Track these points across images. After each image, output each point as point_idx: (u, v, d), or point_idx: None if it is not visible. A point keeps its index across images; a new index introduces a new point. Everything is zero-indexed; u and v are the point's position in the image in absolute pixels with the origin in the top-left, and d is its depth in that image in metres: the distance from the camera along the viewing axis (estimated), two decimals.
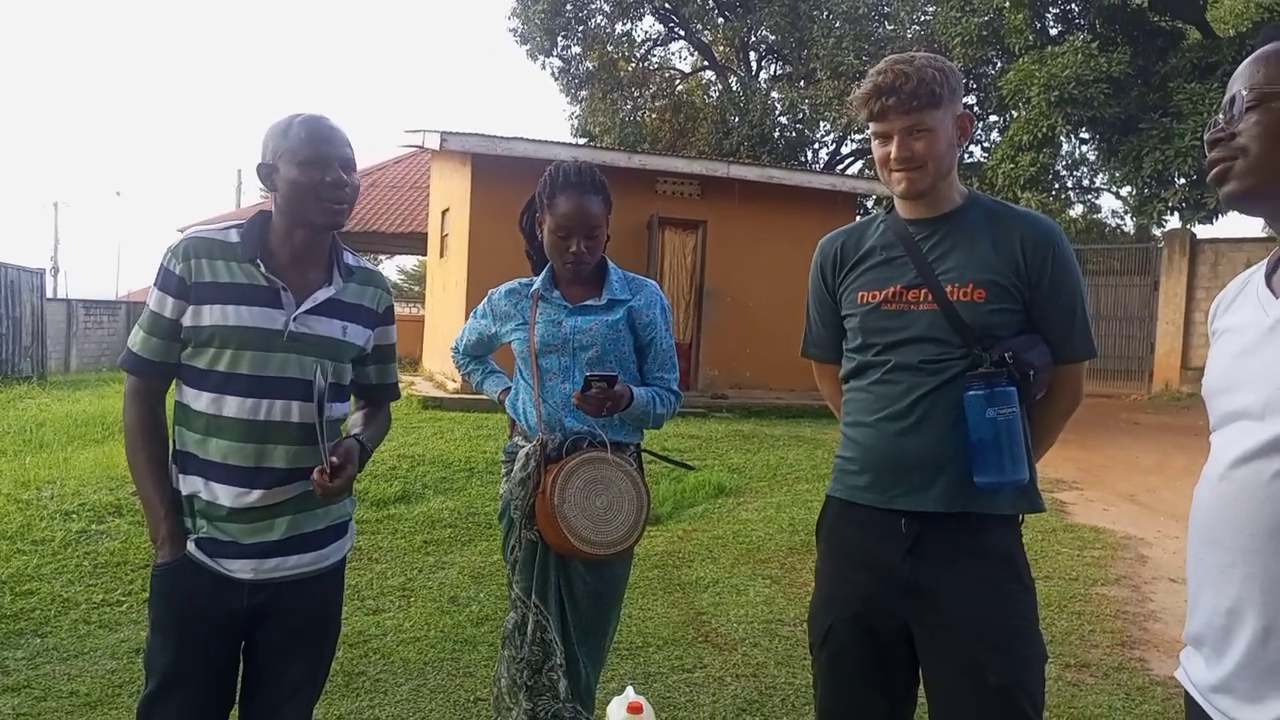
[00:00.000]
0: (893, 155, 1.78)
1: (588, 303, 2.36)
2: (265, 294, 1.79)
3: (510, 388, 2.56)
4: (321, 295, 1.84)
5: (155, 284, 1.80)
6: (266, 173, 1.82)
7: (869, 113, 1.80)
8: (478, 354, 2.68)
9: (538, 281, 2.42)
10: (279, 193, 1.81)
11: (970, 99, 20.19)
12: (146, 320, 1.81)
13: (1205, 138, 1.26)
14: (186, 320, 1.78)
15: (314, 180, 1.78)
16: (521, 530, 2.35)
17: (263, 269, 1.79)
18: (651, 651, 3.77)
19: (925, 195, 1.82)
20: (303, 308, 1.81)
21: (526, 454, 2.32)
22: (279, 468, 1.80)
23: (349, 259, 1.93)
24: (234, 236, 1.83)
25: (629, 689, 2.81)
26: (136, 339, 1.82)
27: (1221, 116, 1.24)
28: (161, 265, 1.80)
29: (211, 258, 1.79)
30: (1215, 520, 1.23)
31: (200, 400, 1.78)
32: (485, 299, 2.57)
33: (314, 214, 1.81)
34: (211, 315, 1.77)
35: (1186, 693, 1.33)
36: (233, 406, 1.76)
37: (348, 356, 1.89)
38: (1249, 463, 1.18)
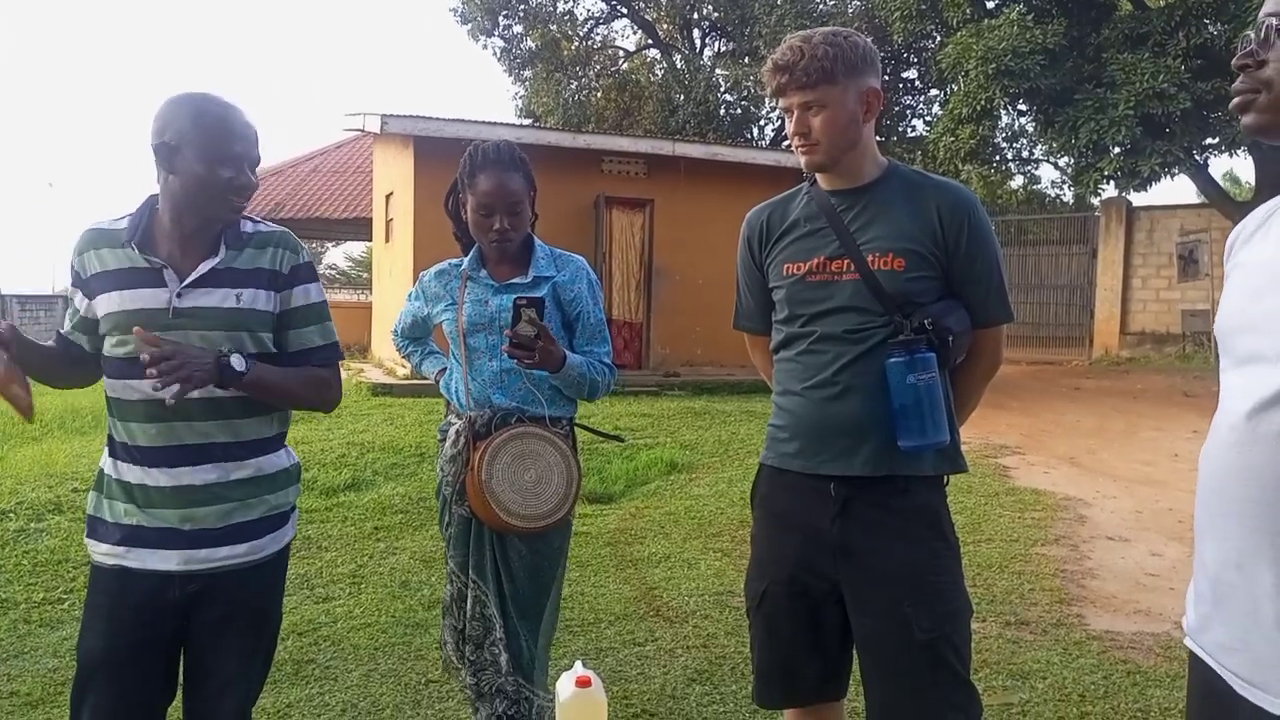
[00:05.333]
0: (789, 130, 1.85)
1: (514, 280, 2.37)
2: (147, 275, 1.78)
3: (446, 368, 2.56)
4: (205, 267, 1.80)
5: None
6: (168, 154, 1.74)
7: (772, 89, 1.86)
8: (415, 336, 2.68)
9: (466, 261, 2.43)
10: (177, 178, 1.75)
11: (911, 73, 20.43)
12: (70, 315, 1.92)
13: (1233, 62, 1.22)
14: (89, 313, 1.85)
15: (221, 179, 1.74)
16: (454, 506, 2.37)
17: (139, 252, 1.77)
18: (603, 627, 3.80)
19: (827, 168, 1.88)
20: (185, 282, 1.78)
21: (456, 431, 2.34)
22: (189, 444, 1.78)
23: (247, 227, 1.87)
24: (124, 224, 1.82)
25: (578, 663, 2.83)
26: (65, 324, 1.93)
27: (1253, 36, 1.20)
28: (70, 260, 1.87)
29: (98, 247, 1.82)
30: (1224, 469, 1.18)
31: (114, 387, 1.81)
32: (420, 279, 2.57)
33: (212, 210, 1.78)
34: (106, 304, 1.80)
35: (1190, 651, 1.28)
36: (135, 390, 1.77)
37: (253, 325, 1.82)
38: (1264, 411, 1.12)
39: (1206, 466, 1.23)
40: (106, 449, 1.88)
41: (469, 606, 2.33)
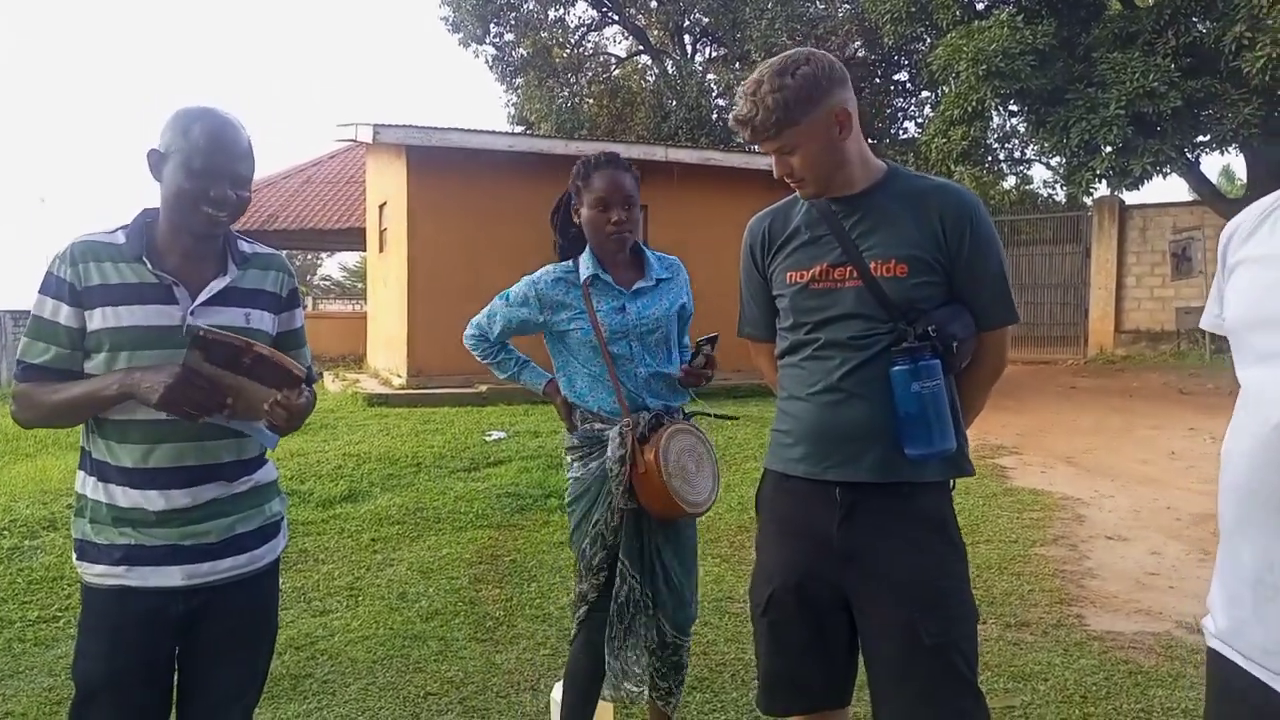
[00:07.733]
0: (775, 172, 1.86)
1: (639, 285, 2.52)
2: (157, 291, 1.74)
3: (552, 379, 2.63)
4: (217, 285, 1.79)
5: (43, 291, 1.73)
6: (156, 160, 1.76)
7: (745, 139, 1.87)
8: (503, 340, 2.70)
9: (584, 268, 2.51)
10: (162, 186, 1.77)
11: (902, 75, 20.48)
12: (40, 330, 1.74)
13: None
14: (79, 324, 1.73)
15: (199, 190, 1.72)
16: (623, 502, 2.45)
17: (149, 266, 1.74)
18: None
19: (822, 194, 1.88)
20: (199, 300, 1.76)
21: (620, 433, 2.42)
22: (194, 465, 1.77)
23: (244, 246, 1.89)
24: (121, 238, 1.77)
25: None
26: (33, 351, 1.74)
27: None
28: (49, 272, 1.73)
29: (99, 260, 1.73)
30: (1263, 470, 1.14)
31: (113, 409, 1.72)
32: (528, 286, 2.56)
33: (190, 222, 1.76)
34: (103, 318, 1.71)
35: (1215, 651, 1.25)
36: (141, 409, 1.71)
37: None
38: None
39: (1241, 464, 1.19)
40: (86, 471, 1.80)
41: (646, 596, 2.49)
